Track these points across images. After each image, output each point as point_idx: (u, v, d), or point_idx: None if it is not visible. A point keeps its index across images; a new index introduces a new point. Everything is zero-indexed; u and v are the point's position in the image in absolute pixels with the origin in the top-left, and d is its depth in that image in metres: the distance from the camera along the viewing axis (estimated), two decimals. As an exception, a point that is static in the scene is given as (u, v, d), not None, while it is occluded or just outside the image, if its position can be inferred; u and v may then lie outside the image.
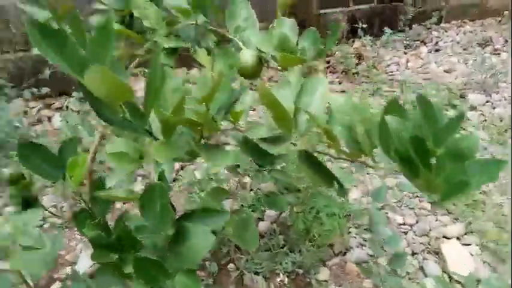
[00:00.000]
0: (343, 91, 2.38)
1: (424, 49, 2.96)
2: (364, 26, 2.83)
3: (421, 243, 1.25)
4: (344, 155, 0.63)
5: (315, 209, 1.17)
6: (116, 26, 0.86)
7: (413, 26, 3.11)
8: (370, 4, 3.02)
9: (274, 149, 0.66)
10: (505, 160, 0.45)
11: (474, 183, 0.45)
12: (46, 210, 1.03)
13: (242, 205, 1.40)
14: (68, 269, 1.20)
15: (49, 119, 2.05)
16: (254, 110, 2.08)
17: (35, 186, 0.84)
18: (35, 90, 1.97)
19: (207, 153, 0.58)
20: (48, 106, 2.13)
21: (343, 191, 0.65)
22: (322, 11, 2.86)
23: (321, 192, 1.30)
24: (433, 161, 0.50)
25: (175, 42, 0.75)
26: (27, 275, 0.77)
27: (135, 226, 0.55)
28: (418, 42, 3.05)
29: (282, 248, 1.21)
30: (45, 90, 1.98)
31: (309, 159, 0.68)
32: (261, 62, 0.79)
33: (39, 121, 2.02)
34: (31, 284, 0.78)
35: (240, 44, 0.80)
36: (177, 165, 1.65)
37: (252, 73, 0.78)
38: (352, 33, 2.98)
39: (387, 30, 2.90)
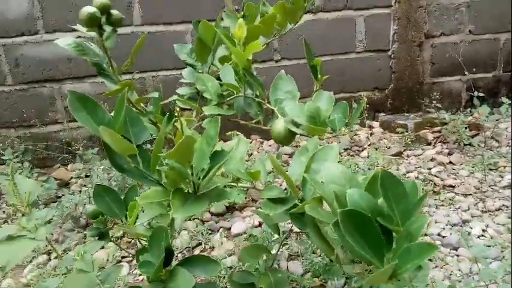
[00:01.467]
0: (451, 162, 2.21)
1: (562, 121, 2.58)
2: (484, 95, 2.63)
3: None
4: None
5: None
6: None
7: (551, 96, 2.75)
8: (494, 72, 2.79)
9: (282, 208, 0.71)
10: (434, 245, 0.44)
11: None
12: (114, 242, 1.23)
13: (308, 270, 1.40)
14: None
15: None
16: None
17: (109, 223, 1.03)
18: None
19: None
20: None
21: (339, 261, 0.66)
22: (436, 80, 2.77)
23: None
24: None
25: (217, 110, 0.88)
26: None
27: (141, 261, 0.66)
28: (556, 113, 2.67)
29: (335, 318, 1.18)
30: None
31: (314, 225, 0.71)
32: (293, 132, 0.87)
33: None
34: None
35: (278, 114, 0.89)
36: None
37: (283, 140, 0.87)
38: (472, 103, 2.78)
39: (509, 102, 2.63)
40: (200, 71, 1.07)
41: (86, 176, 2.15)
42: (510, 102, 2.52)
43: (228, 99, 0.95)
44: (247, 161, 2.40)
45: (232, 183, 0.81)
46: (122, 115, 0.58)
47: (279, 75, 0.95)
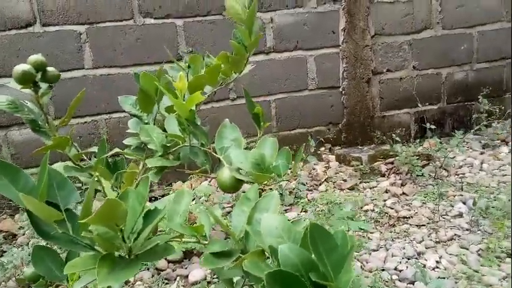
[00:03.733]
0: (404, 193, 2.28)
1: (504, 149, 2.74)
2: (433, 126, 2.77)
3: None
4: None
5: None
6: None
7: (493, 124, 2.93)
8: (439, 104, 2.96)
9: (224, 262, 0.70)
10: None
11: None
12: None
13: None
14: None
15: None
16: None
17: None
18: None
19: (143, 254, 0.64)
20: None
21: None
22: (386, 113, 2.89)
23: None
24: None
25: (161, 162, 0.87)
26: None
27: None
28: (498, 141, 2.85)
29: None
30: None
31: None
32: (240, 179, 0.87)
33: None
34: None
35: (224, 162, 0.89)
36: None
37: (230, 188, 0.86)
38: (421, 135, 2.92)
39: (460, 130, 2.78)
40: (146, 121, 1.06)
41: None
42: (464, 131, 2.65)
43: (173, 149, 0.94)
44: (206, 201, 2.37)
45: (176, 239, 0.79)
46: (45, 180, 0.55)
47: (223, 124, 0.95)
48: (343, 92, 2.76)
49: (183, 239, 0.78)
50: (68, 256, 0.90)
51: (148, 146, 0.95)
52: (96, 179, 0.69)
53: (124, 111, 1.12)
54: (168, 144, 0.90)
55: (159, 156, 0.92)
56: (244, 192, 0.87)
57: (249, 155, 0.87)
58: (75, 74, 2.28)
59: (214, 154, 0.92)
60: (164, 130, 0.98)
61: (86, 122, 2.35)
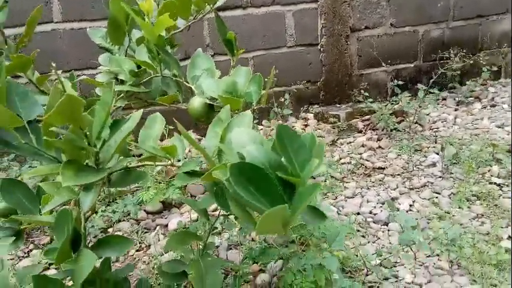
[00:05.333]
0: (380, 147, 2.32)
1: (478, 105, 2.80)
2: (408, 83, 2.79)
3: (425, 305, 1.12)
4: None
5: (303, 260, 1.13)
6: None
7: (467, 82, 2.98)
8: (415, 62, 2.98)
9: (196, 179, 0.70)
10: (318, 184, 0.45)
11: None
12: (32, 243, 1.14)
13: (246, 257, 1.39)
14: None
15: None
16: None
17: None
18: None
19: (116, 178, 0.63)
20: None
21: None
22: (363, 71, 2.90)
23: (316, 244, 1.26)
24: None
25: (129, 87, 0.85)
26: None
27: (47, 249, 0.61)
28: (472, 98, 2.91)
29: (273, 300, 1.18)
30: None
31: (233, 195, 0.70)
32: (212, 107, 0.86)
33: None
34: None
35: (195, 91, 0.87)
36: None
37: (201, 117, 0.85)
38: (397, 93, 2.94)
39: (428, 88, 2.82)
40: (117, 55, 1.03)
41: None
42: (439, 89, 2.68)
43: (144, 79, 0.92)
44: (185, 158, 2.36)
45: (149, 163, 0.78)
46: (2, 84, 0.53)
47: (196, 54, 0.93)
48: (321, 49, 2.74)
49: (157, 163, 0.77)
50: (39, 189, 0.88)
51: (119, 77, 0.92)
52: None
53: (96, 67, 1.07)
54: (137, 71, 0.88)
55: (129, 85, 0.90)
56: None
57: (220, 83, 0.86)
58: (44, 27, 2.18)
59: (186, 84, 0.91)
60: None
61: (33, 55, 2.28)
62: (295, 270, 1.14)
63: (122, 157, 0.73)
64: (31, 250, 1.54)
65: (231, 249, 1.49)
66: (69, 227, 0.61)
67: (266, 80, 0.84)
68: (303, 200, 0.46)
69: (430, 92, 2.73)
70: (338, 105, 2.80)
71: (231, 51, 0.92)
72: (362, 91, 2.66)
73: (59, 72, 0.78)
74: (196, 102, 0.83)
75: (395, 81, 2.70)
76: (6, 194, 0.86)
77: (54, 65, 0.49)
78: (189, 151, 2.34)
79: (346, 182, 1.93)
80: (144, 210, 1.76)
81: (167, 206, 1.81)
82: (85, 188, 0.68)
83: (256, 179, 0.48)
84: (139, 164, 0.75)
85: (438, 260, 1.33)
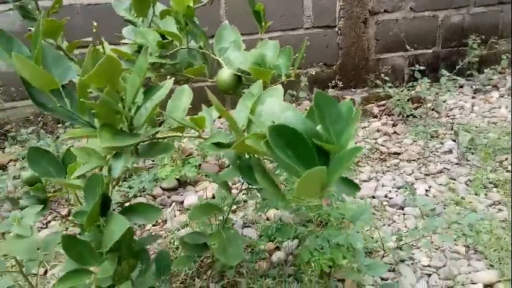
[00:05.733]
0: (395, 132, 2.30)
1: (495, 94, 2.76)
2: (426, 70, 2.75)
3: (442, 287, 1.12)
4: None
5: (320, 239, 1.14)
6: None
7: (485, 70, 2.93)
8: (433, 48, 2.93)
9: (226, 150, 0.69)
10: (359, 147, 0.44)
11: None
12: (54, 212, 1.15)
13: (262, 235, 1.40)
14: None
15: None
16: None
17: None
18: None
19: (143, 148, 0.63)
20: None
21: (284, 200, 0.65)
22: (381, 56, 2.86)
23: (334, 224, 1.27)
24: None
25: (157, 59, 0.84)
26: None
27: (76, 211, 0.62)
28: (490, 86, 2.86)
29: (289, 277, 1.19)
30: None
31: (260, 167, 0.70)
32: (240, 79, 0.85)
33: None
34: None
35: (222, 63, 0.87)
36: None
37: (229, 89, 0.84)
38: (414, 78, 2.90)
39: (452, 75, 2.77)
40: (141, 27, 1.02)
41: (24, 158, 2.02)
42: (457, 76, 2.64)
43: (170, 51, 0.91)
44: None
45: (178, 134, 0.78)
46: (38, 48, 0.53)
47: (222, 26, 0.92)
48: (339, 32, 2.70)
49: (185, 134, 0.77)
50: (64, 158, 0.89)
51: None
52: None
53: (115, 43, 1.06)
54: (164, 42, 0.87)
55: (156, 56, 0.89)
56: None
57: (249, 55, 0.85)
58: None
59: (213, 56, 0.90)
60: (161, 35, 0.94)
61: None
62: (312, 248, 1.15)
63: (149, 127, 0.73)
64: (49, 221, 1.57)
65: (246, 227, 1.50)
66: (100, 190, 0.61)
67: (295, 56, 0.83)
68: (343, 162, 0.45)
69: (452, 79, 2.69)
70: (353, 90, 2.78)
71: (259, 22, 0.91)
72: (382, 75, 2.63)
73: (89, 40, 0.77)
74: (225, 74, 0.82)
75: (417, 66, 2.65)
76: (33, 163, 0.87)
77: (95, 24, 0.49)
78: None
79: (361, 166, 1.92)
80: (160, 187, 1.77)
81: (182, 183, 1.82)
82: (115, 155, 0.68)
83: (293, 143, 0.48)
84: (168, 135, 0.75)
85: (455, 244, 1.32)
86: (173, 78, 0.66)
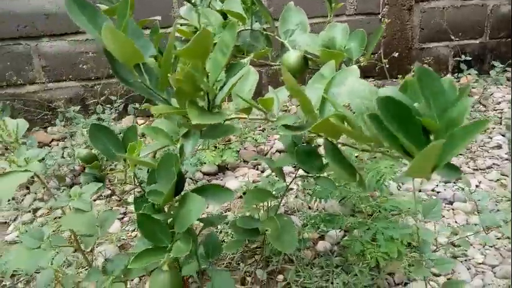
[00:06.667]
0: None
1: (546, 88, 2.62)
2: (472, 60, 2.63)
3: (499, 286, 1.08)
4: (363, 142, 0.61)
5: (372, 231, 1.11)
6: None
7: (536, 63, 2.78)
8: (480, 39, 2.80)
9: (299, 131, 0.67)
10: (485, 120, 0.41)
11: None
12: (109, 189, 1.17)
13: (306, 224, 1.38)
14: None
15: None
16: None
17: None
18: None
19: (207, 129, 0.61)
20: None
21: (363, 184, 0.63)
22: (424, 45, 2.75)
23: (385, 216, 1.23)
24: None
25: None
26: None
27: (148, 190, 0.61)
28: (540, 80, 2.72)
29: (336, 268, 1.16)
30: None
31: (333, 150, 0.67)
32: (306, 62, 0.82)
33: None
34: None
35: (288, 46, 0.84)
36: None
37: (296, 72, 0.81)
38: (459, 69, 2.79)
39: (500, 66, 2.65)
40: (199, 7, 1.00)
41: (65, 138, 2.06)
42: (506, 68, 2.53)
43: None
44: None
45: (243, 115, 0.76)
46: (126, 20, 0.51)
47: (287, 7, 0.89)
48: (382, 19, 2.61)
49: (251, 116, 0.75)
50: (125, 136, 0.89)
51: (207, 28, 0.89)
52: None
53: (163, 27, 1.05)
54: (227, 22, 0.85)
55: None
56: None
57: (317, 38, 0.82)
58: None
59: (278, 38, 0.87)
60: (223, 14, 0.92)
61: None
62: (364, 240, 1.12)
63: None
64: (95, 200, 1.59)
65: (289, 215, 1.48)
66: (176, 169, 0.60)
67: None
68: (466, 137, 0.42)
69: (503, 70, 2.57)
70: (395, 80, 2.69)
71: (329, 2, 0.87)
72: (425, 65, 2.54)
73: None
74: (293, 57, 0.79)
75: (463, 56, 2.54)
76: (94, 139, 0.87)
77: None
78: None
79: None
80: (200, 171, 1.77)
81: (222, 168, 1.81)
82: (185, 135, 0.67)
83: (400, 117, 0.45)
84: (235, 116, 0.74)
85: (509, 242, 1.27)
86: (250, 57, 0.64)
